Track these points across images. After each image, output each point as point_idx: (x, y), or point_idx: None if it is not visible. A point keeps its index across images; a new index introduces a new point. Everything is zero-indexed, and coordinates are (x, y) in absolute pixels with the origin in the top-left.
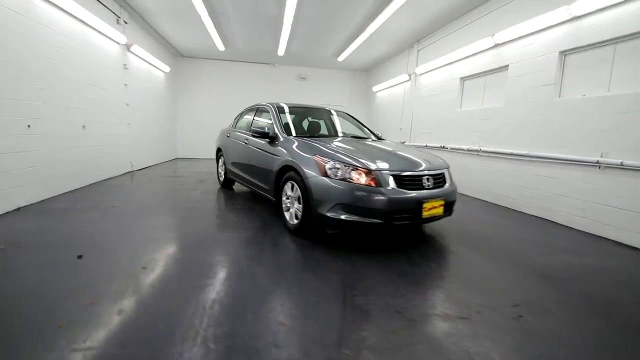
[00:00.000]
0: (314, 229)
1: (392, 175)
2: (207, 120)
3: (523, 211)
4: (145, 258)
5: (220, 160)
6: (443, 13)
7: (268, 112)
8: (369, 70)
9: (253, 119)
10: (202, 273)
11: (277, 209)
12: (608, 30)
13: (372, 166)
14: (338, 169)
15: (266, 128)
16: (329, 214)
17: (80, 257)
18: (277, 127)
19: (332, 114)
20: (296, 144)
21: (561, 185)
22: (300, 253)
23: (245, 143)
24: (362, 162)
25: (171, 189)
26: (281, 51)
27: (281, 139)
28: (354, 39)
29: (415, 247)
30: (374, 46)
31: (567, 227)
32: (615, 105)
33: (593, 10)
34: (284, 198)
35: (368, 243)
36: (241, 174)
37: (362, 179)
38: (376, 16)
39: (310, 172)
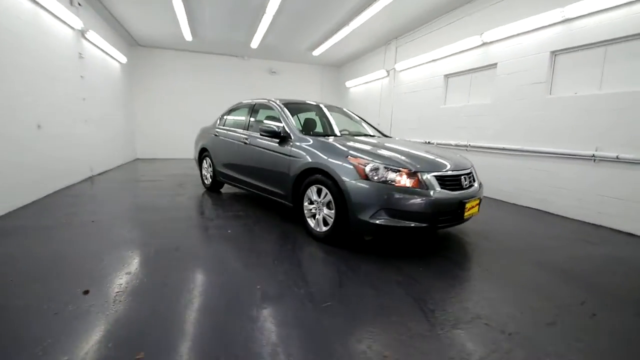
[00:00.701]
0: (348, 236)
1: (435, 176)
2: (170, 117)
3: (517, 203)
4: (187, 296)
5: (205, 161)
6: (425, 11)
7: (271, 109)
8: (340, 66)
9: (250, 117)
10: (252, 303)
11: (292, 215)
12: (599, 32)
13: (415, 167)
14: (379, 170)
15: (275, 127)
16: (371, 220)
17: (86, 292)
18: (287, 125)
19: (332, 111)
20: (316, 144)
21: (556, 177)
22: (343, 265)
23: (245, 143)
24: (403, 163)
25: (151, 196)
26: (255, 43)
27: (294, 139)
28: (335, 33)
29: (448, 249)
30: (350, 42)
31: (563, 217)
32: (608, 103)
33: (586, 13)
34: (305, 204)
35: (402, 248)
36: (238, 176)
37: (406, 181)
38: (362, 11)
39: (346, 175)
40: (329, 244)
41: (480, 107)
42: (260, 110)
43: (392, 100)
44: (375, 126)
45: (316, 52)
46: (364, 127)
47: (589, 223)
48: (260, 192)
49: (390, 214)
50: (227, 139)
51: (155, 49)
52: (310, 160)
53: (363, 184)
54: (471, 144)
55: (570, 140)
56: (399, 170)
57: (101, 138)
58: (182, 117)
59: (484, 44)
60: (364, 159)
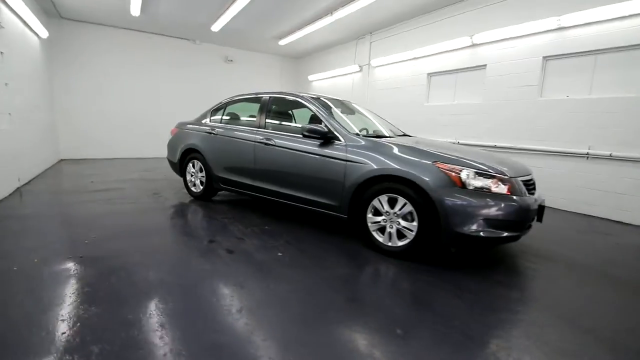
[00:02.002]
0: (431, 250)
1: (522, 181)
2: (103, 109)
3: None
4: None
5: (191, 164)
6: (408, 8)
7: (295, 103)
8: (299, 58)
9: (266, 113)
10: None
11: (338, 227)
12: (590, 42)
13: (508, 172)
14: (475, 177)
15: (322, 127)
16: (469, 232)
17: None
18: (332, 125)
19: (337, 106)
20: (380, 147)
21: (548, 173)
22: (448, 283)
23: (265, 144)
24: (497, 168)
25: (124, 214)
26: (217, 26)
27: (347, 141)
28: (310, 24)
29: (501, 261)
30: (320, 33)
31: (555, 209)
32: (599, 106)
33: (579, 23)
34: (369, 215)
35: (463, 259)
36: (253, 183)
37: (502, 188)
38: (347, 4)
39: (437, 184)
40: (405, 260)
41: (470, 107)
42: (278, 106)
43: (367, 96)
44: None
45: (283, 42)
46: (380, 125)
47: (580, 214)
48: (291, 201)
49: (490, 224)
50: (232, 139)
51: (85, 24)
52: (376, 166)
53: (461, 194)
54: (460, 141)
55: (563, 140)
56: (495, 176)
57: (27, 136)
58: (120, 109)
59: (474, 45)
60: (456, 165)
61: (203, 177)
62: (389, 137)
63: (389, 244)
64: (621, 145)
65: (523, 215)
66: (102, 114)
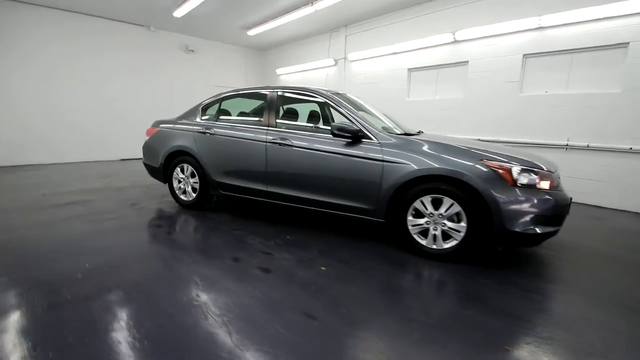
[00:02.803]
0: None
1: (559, 177)
2: (45, 105)
3: None
4: None
5: (182, 169)
6: (386, 2)
7: (312, 99)
8: (266, 50)
9: (278, 111)
10: None
11: (368, 230)
12: (567, 42)
13: (551, 168)
14: (524, 173)
15: (352, 126)
16: (524, 231)
17: None
18: (361, 122)
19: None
20: (417, 146)
21: None
22: (510, 284)
23: (281, 144)
24: (539, 164)
25: (111, 233)
26: (182, 12)
27: (378, 140)
28: (287, 14)
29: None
30: (291, 25)
31: None
32: (576, 101)
33: (559, 24)
34: (410, 217)
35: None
36: (267, 189)
37: (545, 183)
38: None
39: (487, 182)
40: (450, 262)
41: (452, 102)
42: (290, 102)
43: (343, 91)
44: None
45: (252, 32)
46: (388, 122)
47: None
48: (315, 207)
49: (539, 220)
50: (235, 139)
51: (29, 5)
52: (418, 167)
53: (513, 191)
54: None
55: (543, 132)
56: (539, 172)
57: None
58: (63, 105)
59: (456, 41)
60: (504, 162)
61: (196, 183)
62: (413, 134)
63: (434, 246)
64: (597, 136)
65: (565, 209)
66: (44, 112)
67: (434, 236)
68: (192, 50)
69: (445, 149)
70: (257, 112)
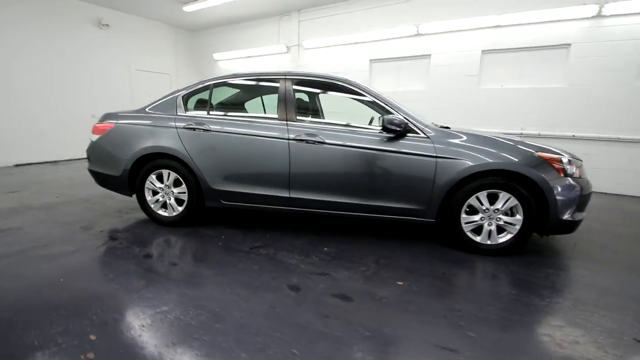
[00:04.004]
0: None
1: None
2: None
3: None
4: None
5: (159, 177)
6: None
7: (336, 88)
8: (200, 31)
9: (294, 101)
10: None
11: (404, 230)
12: (521, 40)
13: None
14: (570, 163)
15: (400, 119)
16: (572, 218)
17: None
18: (408, 114)
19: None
20: (472, 139)
21: None
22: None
23: (308, 142)
24: (573, 155)
25: (93, 275)
26: None
27: (428, 134)
28: None
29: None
30: (233, 3)
31: None
32: (528, 94)
33: (514, 23)
34: (463, 215)
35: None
36: (292, 195)
37: (579, 172)
38: None
39: (546, 174)
40: (503, 256)
41: (414, 94)
42: (310, 91)
43: None
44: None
45: (189, 8)
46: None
47: None
48: (354, 212)
49: (580, 208)
50: (244, 137)
51: None
52: (473, 162)
53: (565, 182)
54: None
55: (500, 122)
56: (576, 162)
57: None
58: None
59: (419, 34)
60: (555, 153)
61: (182, 193)
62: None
63: (488, 242)
64: (547, 126)
65: (590, 197)
66: None
67: (489, 232)
68: (107, 25)
69: (494, 143)
70: (264, 103)
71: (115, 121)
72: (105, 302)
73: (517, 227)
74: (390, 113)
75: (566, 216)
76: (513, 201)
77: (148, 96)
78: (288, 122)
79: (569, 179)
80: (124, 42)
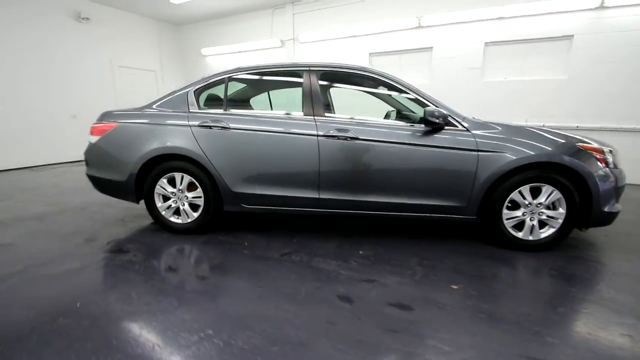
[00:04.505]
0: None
1: None
2: None
3: None
4: None
5: (171, 181)
6: None
7: (367, 80)
8: (186, 25)
9: (320, 95)
10: None
11: (458, 228)
12: (524, 32)
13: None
14: (610, 155)
15: (438, 110)
16: (612, 210)
17: None
18: (446, 106)
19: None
20: (511, 132)
21: None
22: None
23: (339, 138)
24: (603, 142)
25: (109, 292)
26: None
27: (468, 127)
28: None
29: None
30: None
31: None
32: (531, 86)
33: (517, 15)
34: (505, 210)
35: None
36: (322, 195)
37: (614, 162)
38: None
39: (590, 167)
40: (543, 251)
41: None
42: (337, 84)
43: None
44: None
45: (177, 0)
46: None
47: None
48: (390, 212)
49: (617, 199)
50: (269, 134)
51: None
52: (516, 155)
53: (607, 173)
54: None
55: (504, 115)
56: (615, 152)
57: None
58: None
59: (420, 27)
60: (596, 144)
61: (197, 197)
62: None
63: (530, 237)
64: (549, 117)
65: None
66: None
67: (531, 227)
68: (87, 19)
69: (534, 135)
70: (288, 97)
71: (118, 120)
72: (137, 329)
73: (560, 221)
74: (427, 105)
75: (607, 208)
76: (556, 194)
77: (132, 94)
78: (316, 118)
79: (610, 169)
80: (105, 37)
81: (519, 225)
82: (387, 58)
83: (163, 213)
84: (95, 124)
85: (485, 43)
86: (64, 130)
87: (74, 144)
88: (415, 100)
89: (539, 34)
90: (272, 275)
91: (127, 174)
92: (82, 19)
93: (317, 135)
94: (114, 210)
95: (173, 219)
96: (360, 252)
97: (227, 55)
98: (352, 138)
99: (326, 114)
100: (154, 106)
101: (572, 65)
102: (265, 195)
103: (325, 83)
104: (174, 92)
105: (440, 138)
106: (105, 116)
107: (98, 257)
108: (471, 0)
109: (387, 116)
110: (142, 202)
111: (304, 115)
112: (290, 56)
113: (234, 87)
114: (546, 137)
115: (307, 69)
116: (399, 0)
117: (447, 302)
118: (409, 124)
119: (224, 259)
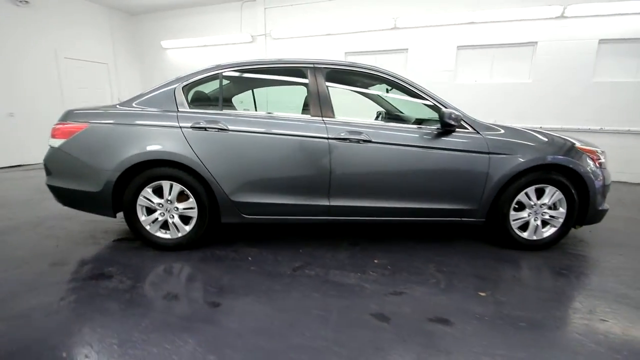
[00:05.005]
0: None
1: None
2: None
3: None
4: None
5: (156, 191)
6: None
7: (375, 79)
8: (142, 14)
9: (327, 95)
10: None
11: (475, 232)
12: (492, 37)
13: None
14: (602, 156)
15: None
16: (603, 207)
17: None
18: (457, 108)
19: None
20: (517, 134)
21: None
22: None
23: (351, 140)
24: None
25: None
26: None
27: (477, 128)
28: None
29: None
30: None
31: None
32: (499, 89)
33: (487, 21)
34: (512, 212)
35: None
36: (332, 203)
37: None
38: None
39: (588, 167)
40: (543, 250)
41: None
42: (346, 84)
43: None
44: (240, 102)
45: None
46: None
47: None
48: (403, 217)
49: (605, 198)
50: (274, 136)
51: None
52: (525, 157)
53: (600, 173)
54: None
55: (475, 115)
56: (604, 153)
57: None
58: None
59: (396, 28)
60: (591, 146)
61: (189, 209)
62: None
63: (534, 237)
64: (516, 118)
65: None
66: None
67: (535, 227)
68: (26, 2)
69: (538, 137)
70: (290, 96)
71: (89, 120)
72: None
73: (560, 220)
74: (439, 108)
75: (601, 206)
76: (558, 195)
77: (80, 89)
78: (325, 119)
79: (602, 170)
80: (49, 24)
81: (523, 226)
82: (363, 58)
83: (147, 228)
84: (59, 124)
85: (458, 46)
86: None
87: (12, 147)
88: (431, 106)
89: (506, 40)
90: (293, 295)
91: (102, 183)
92: (20, 2)
93: (328, 138)
94: (77, 224)
95: (160, 234)
96: (375, 261)
97: (192, 49)
98: (365, 141)
99: (335, 114)
100: (133, 104)
101: (536, 70)
102: (270, 204)
103: (331, 82)
104: (157, 88)
105: (453, 141)
106: (72, 115)
107: (73, 287)
108: (445, 3)
109: (377, 117)
110: (118, 214)
111: (312, 116)
112: (262, 52)
113: (235, 84)
114: (549, 139)
115: (312, 66)
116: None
117: (482, 312)
118: (417, 126)
119: (231, 278)
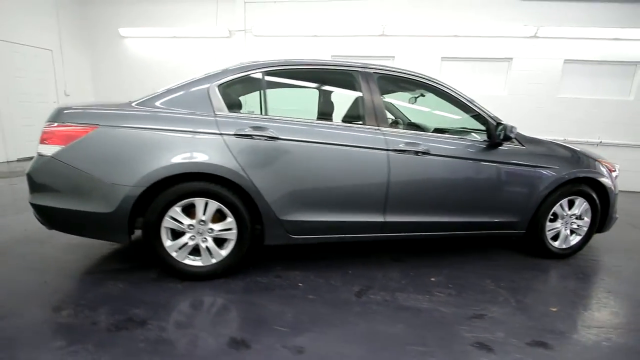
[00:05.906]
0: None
1: None
2: None
3: None
4: None
5: (185, 210)
6: None
7: (424, 87)
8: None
9: (377, 101)
10: None
11: (495, 241)
12: (474, 51)
13: None
14: (617, 169)
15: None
16: (615, 216)
17: None
18: (495, 119)
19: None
20: (553, 147)
21: None
22: None
23: (410, 152)
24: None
25: None
26: None
27: (519, 141)
28: None
29: None
30: None
31: None
32: (478, 100)
33: (470, 35)
34: (547, 223)
35: None
36: (387, 219)
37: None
38: None
39: (610, 180)
40: (566, 258)
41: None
42: (396, 90)
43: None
44: None
45: None
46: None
47: None
48: (455, 232)
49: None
50: (329, 147)
51: None
52: (563, 171)
53: (616, 184)
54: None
55: (457, 125)
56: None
57: None
58: None
59: (384, 35)
60: (606, 160)
61: (227, 230)
62: None
63: (564, 246)
64: None
65: None
66: None
67: (564, 236)
68: None
69: (573, 151)
70: (339, 102)
71: (98, 122)
72: None
73: (585, 229)
74: (499, 121)
75: (615, 215)
76: (586, 205)
77: (17, 78)
78: (379, 127)
79: (615, 182)
80: None
81: (554, 236)
82: None
83: (174, 254)
84: (51, 126)
85: (442, 57)
86: None
87: None
88: (477, 116)
89: (486, 54)
90: (376, 328)
91: (116, 202)
92: None
93: (387, 150)
94: (54, 250)
95: (188, 262)
96: (432, 279)
97: (157, 39)
98: (423, 153)
99: (388, 116)
100: (156, 103)
101: (511, 84)
102: (321, 222)
103: (390, 88)
104: (184, 85)
105: (505, 153)
106: (70, 115)
107: (99, 340)
108: (432, 15)
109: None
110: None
111: (367, 125)
112: (240, 49)
113: (276, 86)
114: (581, 153)
115: (365, 69)
116: (363, 4)
117: (569, 331)
118: (472, 139)
119: (294, 312)
